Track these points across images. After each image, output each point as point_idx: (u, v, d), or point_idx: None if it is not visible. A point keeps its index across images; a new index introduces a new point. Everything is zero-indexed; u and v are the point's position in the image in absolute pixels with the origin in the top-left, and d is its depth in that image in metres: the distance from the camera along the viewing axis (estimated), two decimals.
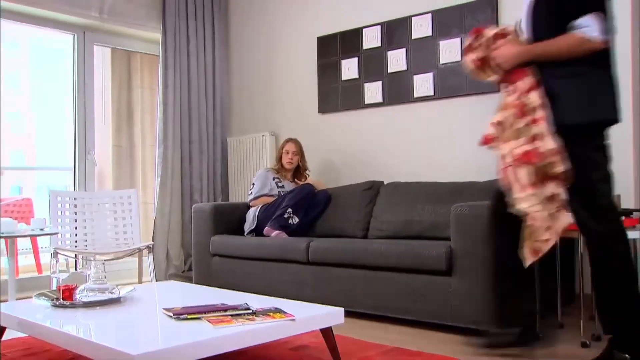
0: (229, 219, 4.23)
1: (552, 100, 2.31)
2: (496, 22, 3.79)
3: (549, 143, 2.28)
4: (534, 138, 2.32)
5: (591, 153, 2.28)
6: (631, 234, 2.64)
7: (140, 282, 4.19)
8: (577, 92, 2.29)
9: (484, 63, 2.58)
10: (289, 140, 4.40)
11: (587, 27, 2.21)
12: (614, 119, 2.30)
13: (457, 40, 3.96)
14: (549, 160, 2.27)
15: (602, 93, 2.28)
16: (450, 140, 4.04)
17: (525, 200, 2.32)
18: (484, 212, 2.84)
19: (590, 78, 2.28)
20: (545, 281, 2.94)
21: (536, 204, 2.31)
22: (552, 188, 2.31)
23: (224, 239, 4.10)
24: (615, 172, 2.35)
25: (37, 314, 2.24)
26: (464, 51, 2.64)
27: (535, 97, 2.34)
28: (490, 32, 2.57)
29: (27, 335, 2.45)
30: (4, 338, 2.50)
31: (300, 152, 4.38)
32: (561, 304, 3.01)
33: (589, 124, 2.28)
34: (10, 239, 3.41)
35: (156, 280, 4.07)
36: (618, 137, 3.34)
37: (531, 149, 2.31)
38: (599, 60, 2.27)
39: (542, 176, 2.30)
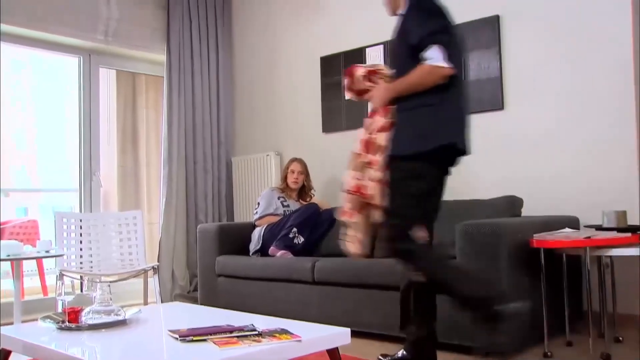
0: (234, 239, 4.23)
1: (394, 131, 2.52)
2: (498, 41, 3.81)
3: (374, 189, 2.53)
4: (367, 177, 2.56)
5: (408, 177, 2.47)
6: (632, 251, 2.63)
7: (145, 303, 4.17)
8: (410, 125, 2.48)
9: (362, 95, 2.74)
10: (294, 159, 4.42)
11: (432, 58, 2.39)
12: (449, 148, 2.49)
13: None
14: (371, 201, 2.54)
15: (441, 124, 2.47)
16: None
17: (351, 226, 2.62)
18: (490, 230, 2.83)
19: (432, 110, 2.46)
20: (552, 298, 2.92)
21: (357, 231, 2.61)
22: (373, 216, 2.59)
23: (229, 259, 4.09)
24: (621, 188, 2.36)
25: (43, 337, 2.23)
26: (343, 89, 2.74)
27: (382, 139, 2.53)
28: (360, 71, 2.73)
29: (32, 358, 2.44)
30: None
31: (305, 171, 4.39)
32: (569, 322, 2.99)
33: (414, 155, 2.45)
34: (16, 262, 3.42)
35: (162, 301, 4.05)
36: (622, 153, 3.35)
37: (362, 185, 2.57)
38: (446, 92, 2.46)
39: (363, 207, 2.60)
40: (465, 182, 3.96)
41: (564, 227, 3.02)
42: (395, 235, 2.49)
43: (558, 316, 3.01)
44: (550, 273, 2.92)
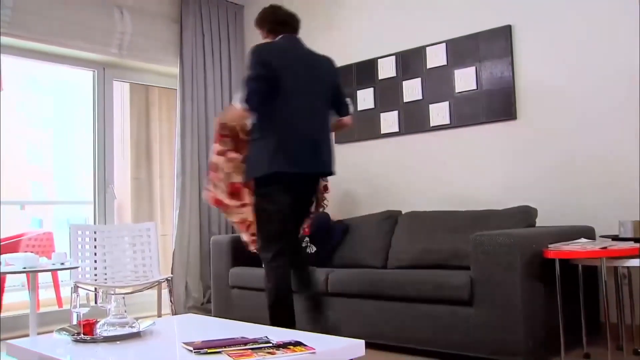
0: (247, 250, 4.22)
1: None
2: (510, 51, 3.81)
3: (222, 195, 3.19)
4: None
5: (259, 199, 3.01)
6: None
7: (159, 315, 4.18)
8: (252, 154, 3.02)
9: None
10: None
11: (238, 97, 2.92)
12: (274, 174, 2.91)
13: (472, 69, 3.98)
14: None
15: (264, 157, 2.93)
16: (468, 168, 4.03)
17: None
18: (504, 241, 2.81)
19: (261, 142, 2.96)
20: (568, 310, 2.89)
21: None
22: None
23: (242, 270, 4.09)
24: (638, 197, 2.34)
25: (58, 349, 2.24)
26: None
27: (220, 160, 3.23)
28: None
29: None
30: None
31: None
32: (586, 334, 2.95)
33: (256, 178, 2.99)
34: (32, 274, 3.44)
35: (175, 313, 4.06)
36: (625, 164, 3.32)
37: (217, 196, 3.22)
38: (270, 127, 2.95)
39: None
40: (478, 193, 3.94)
41: (579, 237, 3.00)
42: (259, 246, 3.06)
43: (575, 328, 2.98)
44: (565, 284, 2.89)
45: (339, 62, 4.75)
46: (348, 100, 3.39)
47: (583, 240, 2.94)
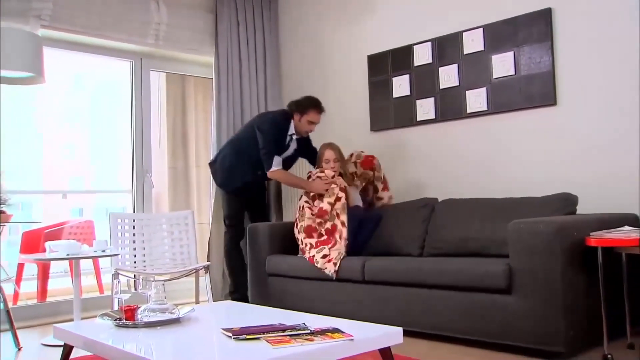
0: (284, 238, 4.26)
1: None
2: (550, 35, 3.72)
3: None
4: None
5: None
6: None
7: (197, 302, 4.24)
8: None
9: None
10: (326, 146, 4.23)
11: None
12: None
13: (510, 54, 3.90)
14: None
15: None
16: (505, 155, 3.96)
17: None
18: (543, 229, 2.76)
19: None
20: (611, 299, 2.83)
21: None
22: None
23: (279, 258, 4.12)
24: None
25: (101, 334, 2.30)
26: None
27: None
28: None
29: (92, 354, 2.51)
30: (71, 357, 2.57)
31: (340, 156, 4.22)
32: (630, 323, 2.89)
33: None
34: (75, 261, 3.53)
35: (213, 300, 4.11)
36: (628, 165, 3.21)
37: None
38: None
39: None
40: (516, 180, 3.88)
41: (621, 225, 2.92)
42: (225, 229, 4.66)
43: (618, 318, 2.91)
44: (608, 273, 2.83)
45: (374, 49, 4.74)
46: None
47: (627, 227, 2.86)
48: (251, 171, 4.38)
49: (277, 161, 4.24)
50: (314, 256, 3.85)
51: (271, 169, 4.22)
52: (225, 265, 4.66)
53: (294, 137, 4.38)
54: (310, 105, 4.26)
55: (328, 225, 3.97)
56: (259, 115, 4.60)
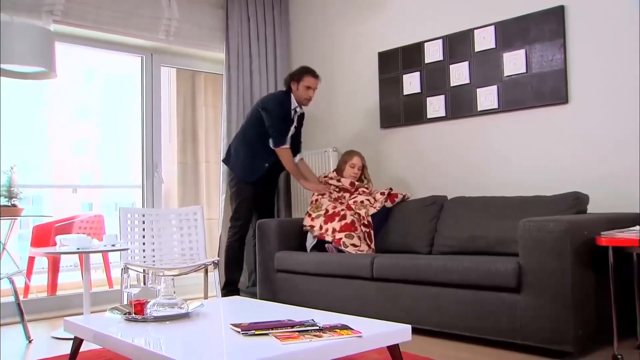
0: (293, 234, 4.26)
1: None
2: (563, 33, 3.70)
3: None
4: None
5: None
6: None
7: (206, 297, 4.26)
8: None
9: None
10: (355, 153, 4.42)
11: None
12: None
13: (522, 52, 3.88)
14: None
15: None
16: (515, 153, 3.95)
17: None
18: (553, 227, 2.75)
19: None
20: (621, 299, 2.81)
21: None
22: None
23: (288, 255, 4.12)
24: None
25: (111, 328, 2.32)
26: None
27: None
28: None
29: (101, 347, 2.53)
30: (81, 350, 2.59)
31: (365, 166, 4.45)
32: None
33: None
34: (85, 255, 3.55)
35: (222, 296, 4.13)
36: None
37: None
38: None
39: None
40: (527, 178, 3.86)
41: (633, 225, 2.90)
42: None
43: (629, 318, 2.89)
44: (619, 273, 2.81)
45: (385, 46, 4.73)
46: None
47: (638, 227, 2.84)
48: (267, 157, 4.45)
49: (287, 139, 4.41)
50: (341, 239, 3.93)
51: (282, 146, 4.38)
52: (224, 257, 4.62)
53: (298, 110, 4.53)
54: (303, 71, 4.46)
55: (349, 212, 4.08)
56: (260, 99, 4.66)
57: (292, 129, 4.52)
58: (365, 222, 4.08)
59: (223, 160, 4.78)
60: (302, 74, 4.44)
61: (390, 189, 4.29)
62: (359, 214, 4.08)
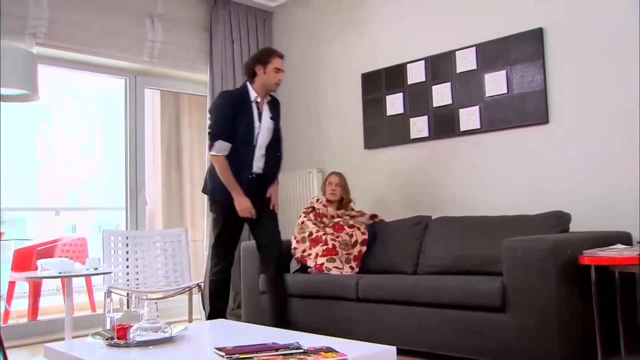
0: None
1: None
2: (542, 54, 3.76)
3: None
4: None
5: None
6: None
7: (190, 320, 4.21)
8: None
9: None
10: (333, 173, 4.44)
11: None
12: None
13: (503, 72, 3.94)
14: None
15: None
16: (498, 172, 3.98)
17: None
18: (537, 246, 2.77)
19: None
20: (604, 317, 2.83)
21: None
22: None
23: None
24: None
25: (93, 353, 2.28)
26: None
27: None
28: None
29: None
30: None
31: (343, 184, 4.38)
32: (624, 342, 2.88)
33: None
34: (67, 279, 3.50)
35: (206, 319, 4.08)
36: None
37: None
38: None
39: None
40: (510, 198, 3.89)
41: (615, 243, 2.93)
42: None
43: (612, 336, 2.91)
44: (602, 291, 2.83)
45: (368, 67, 4.77)
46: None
47: (620, 246, 2.87)
48: (242, 171, 3.73)
49: (221, 146, 3.64)
50: (323, 264, 3.93)
51: (211, 152, 3.69)
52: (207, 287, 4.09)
53: (259, 100, 3.81)
54: (270, 52, 3.87)
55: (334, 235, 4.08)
56: None
57: (269, 121, 3.84)
58: (360, 240, 4.09)
59: (202, 191, 4.11)
60: (270, 55, 3.82)
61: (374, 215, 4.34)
62: (348, 235, 4.07)
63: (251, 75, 3.82)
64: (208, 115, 3.85)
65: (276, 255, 3.88)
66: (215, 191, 3.80)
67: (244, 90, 3.82)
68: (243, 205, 3.69)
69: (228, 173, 3.67)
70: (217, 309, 3.88)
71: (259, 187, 3.84)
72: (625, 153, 3.43)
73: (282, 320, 3.76)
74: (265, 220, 3.87)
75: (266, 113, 3.84)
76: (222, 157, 3.67)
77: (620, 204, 3.42)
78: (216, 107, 3.81)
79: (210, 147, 3.69)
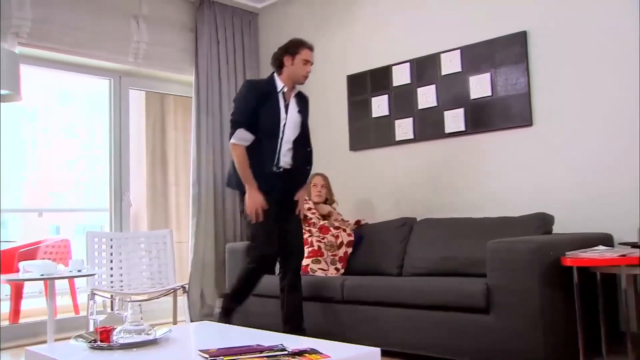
0: None
1: None
2: (526, 57, 3.79)
3: None
4: None
5: None
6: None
7: (175, 322, 4.19)
8: None
9: None
10: (316, 174, 4.44)
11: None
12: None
13: (487, 75, 3.97)
14: None
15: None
16: (483, 175, 4.00)
17: None
18: (521, 248, 2.79)
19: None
20: (587, 318, 2.85)
21: None
22: None
23: None
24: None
25: (75, 356, 2.26)
26: None
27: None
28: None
29: None
30: None
31: (327, 185, 4.42)
32: (606, 343, 2.91)
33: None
34: (50, 281, 3.47)
35: (191, 320, 4.07)
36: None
37: None
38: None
39: None
40: (494, 199, 3.92)
41: (597, 245, 2.96)
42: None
43: (594, 337, 2.94)
44: (584, 292, 2.85)
45: (354, 69, 4.78)
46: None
47: (601, 247, 2.90)
48: (266, 164, 3.50)
49: (242, 135, 3.42)
50: (308, 265, 3.95)
51: (231, 140, 3.44)
52: (235, 279, 3.70)
53: (285, 90, 3.62)
54: (300, 42, 3.66)
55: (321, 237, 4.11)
56: None
57: (296, 114, 3.63)
58: (345, 242, 4.10)
59: (227, 185, 3.91)
60: (299, 46, 3.63)
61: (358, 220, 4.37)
62: (334, 237, 4.08)
63: (278, 66, 3.65)
64: (233, 105, 3.63)
65: (299, 262, 3.64)
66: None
67: (270, 81, 3.63)
68: (254, 199, 3.42)
69: (245, 165, 3.43)
70: (230, 307, 3.59)
71: (287, 184, 3.58)
72: (608, 156, 3.47)
73: (296, 327, 3.49)
74: (292, 224, 3.63)
75: (293, 106, 3.63)
76: (241, 147, 3.43)
77: (602, 206, 3.46)
78: (240, 95, 3.61)
79: (231, 135, 3.45)
